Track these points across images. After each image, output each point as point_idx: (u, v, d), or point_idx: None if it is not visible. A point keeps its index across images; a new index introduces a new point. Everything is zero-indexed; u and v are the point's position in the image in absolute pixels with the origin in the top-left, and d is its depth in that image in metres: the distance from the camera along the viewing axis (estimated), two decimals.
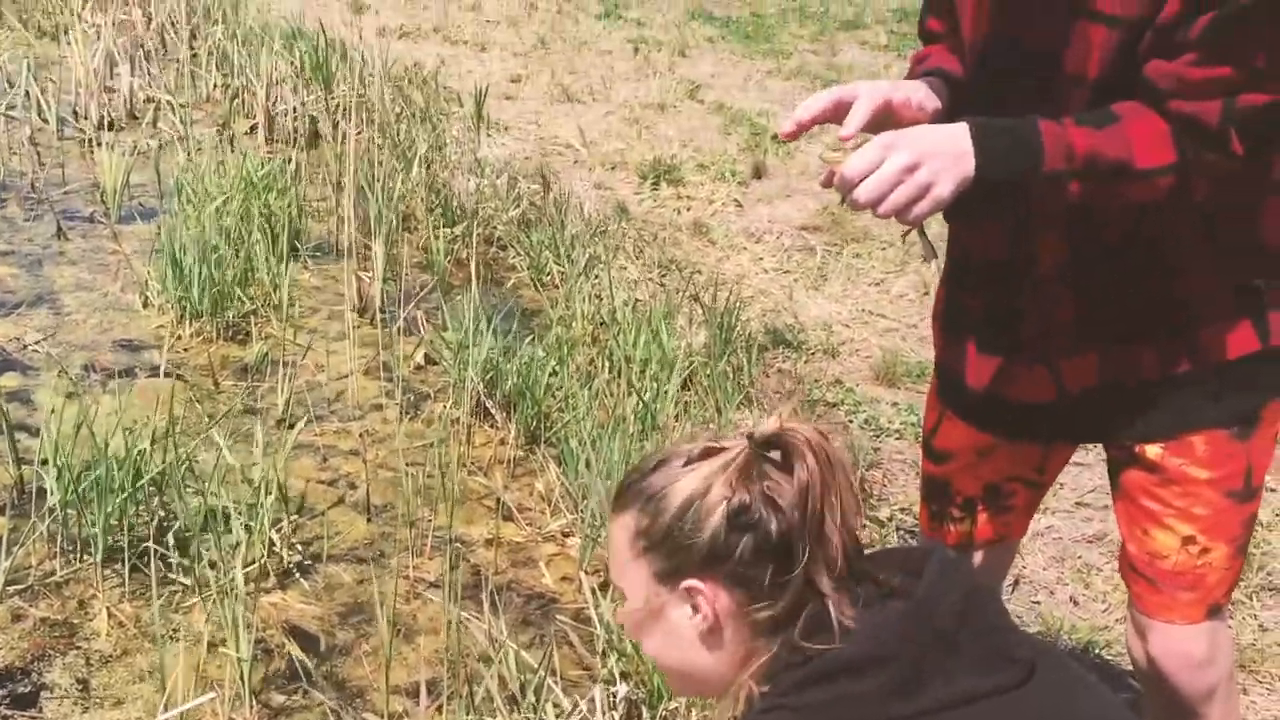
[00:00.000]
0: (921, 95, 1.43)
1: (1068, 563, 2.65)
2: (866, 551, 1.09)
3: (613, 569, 1.19)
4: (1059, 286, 1.44)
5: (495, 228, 4.11)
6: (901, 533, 2.69)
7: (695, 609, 1.10)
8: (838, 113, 1.37)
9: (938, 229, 1.44)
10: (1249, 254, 1.39)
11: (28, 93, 4.69)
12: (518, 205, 4.26)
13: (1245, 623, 2.44)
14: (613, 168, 5.11)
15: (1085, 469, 2.90)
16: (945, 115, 1.43)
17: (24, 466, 2.50)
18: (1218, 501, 1.45)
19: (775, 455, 1.09)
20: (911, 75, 1.53)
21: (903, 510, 2.78)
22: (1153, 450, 1.46)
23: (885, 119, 1.38)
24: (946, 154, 1.26)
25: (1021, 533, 1.74)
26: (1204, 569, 1.47)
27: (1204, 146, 1.26)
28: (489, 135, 5.16)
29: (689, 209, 4.73)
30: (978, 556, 1.69)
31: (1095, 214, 1.37)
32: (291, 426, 2.82)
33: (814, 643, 1.02)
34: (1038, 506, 1.73)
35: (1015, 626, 1.08)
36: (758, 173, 5.17)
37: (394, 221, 3.97)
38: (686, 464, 1.12)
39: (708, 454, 1.12)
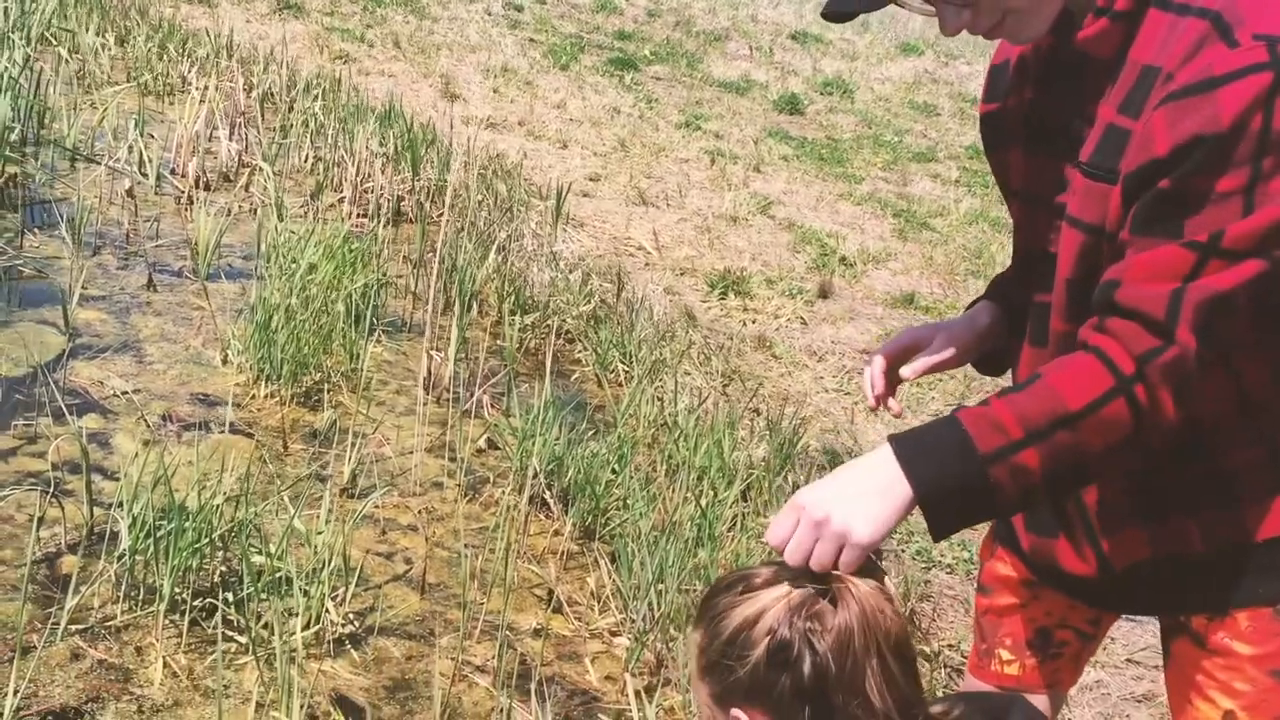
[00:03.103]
0: (946, 337, 1.56)
1: None
2: (949, 691, 1.11)
3: (690, 677, 1.21)
4: None
5: (566, 320, 4.19)
6: (949, 670, 2.67)
7: None
8: (897, 363, 1.57)
9: None
10: None
11: (131, 147, 4.89)
12: (589, 301, 4.35)
13: None
14: (682, 273, 5.20)
15: (1138, 625, 2.87)
16: (1000, 328, 1.56)
17: (96, 508, 2.57)
18: (1261, 680, 1.43)
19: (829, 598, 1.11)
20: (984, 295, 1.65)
21: (950, 647, 2.76)
22: (1199, 622, 1.46)
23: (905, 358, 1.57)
24: (862, 493, 1.22)
25: (1071, 683, 1.73)
26: None
27: (1152, 334, 1.22)
28: (565, 230, 5.28)
29: (754, 321, 4.80)
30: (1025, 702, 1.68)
31: None
32: (355, 496, 2.87)
33: None
34: (1089, 658, 1.73)
35: None
36: (824, 293, 5.24)
37: (470, 305, 4.07)
38: (747, 590, 1.13)
39: (770, 582, 1.13)
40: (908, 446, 1.25)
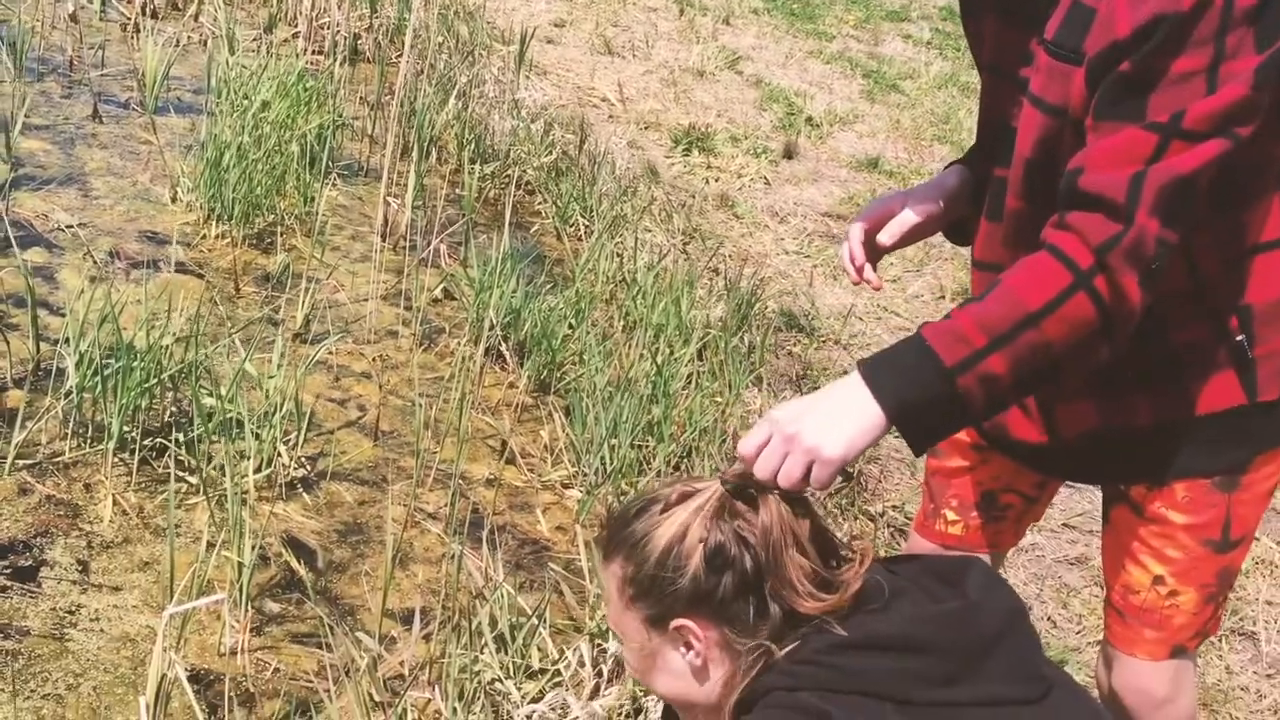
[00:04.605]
0: (917, 201, 1.56)
1: (1048, 582, 2.71)
2: (900, 553, 1.14)
3: (610, 615, 1.25)
4: None
5: (526, 171, 4.11)
6: (891, 530, 2.73)
7: (688, 646, 1.17)
8: (873, 233, 1.57)
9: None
10: (1234, 310, 1.40)
11: None
12: (550, 153, 4.26)
13: (1212, 663, 2.50)
14: (646, 128, 5.10)
15: (1076, 492, 2.95)
16: (969, 191, 1.54)
17: (42, 344, 2.52)
18: (1193, 548, 1.49)
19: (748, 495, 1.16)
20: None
21: (894, 508, 2.83)
22: (1138, 491, 1.51)
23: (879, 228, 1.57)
24: (834, 413, 1.23)
25: (1011, 544, 1.79)
26: (1171, 610, 1.52)
27: (1112, 220, 1.21)
28: (528, 78, 5.14)
29: (717, 180, 4.74)
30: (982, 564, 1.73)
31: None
32: (308, 342, 2.84)
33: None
34: (1031, 522, 1.77)
35: (1042, 647, 1.13)
36: (789, 153, 5.17)
37: (429, 152, 3.98)
38: (664, 510, 1.18)
39: (683, 498, 1.18)
40: (875, 368, 1.25)
